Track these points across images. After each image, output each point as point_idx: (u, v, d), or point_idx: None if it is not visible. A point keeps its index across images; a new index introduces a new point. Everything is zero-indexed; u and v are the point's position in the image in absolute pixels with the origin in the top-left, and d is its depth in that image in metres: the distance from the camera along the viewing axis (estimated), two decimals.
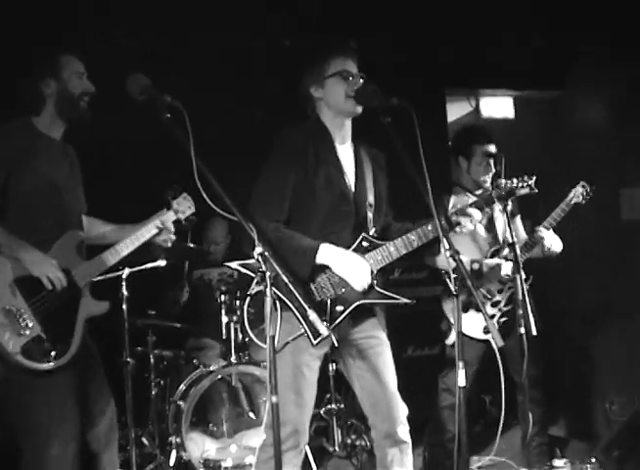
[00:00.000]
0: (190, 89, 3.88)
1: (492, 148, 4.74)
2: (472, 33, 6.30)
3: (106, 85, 3.46)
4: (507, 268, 4.54)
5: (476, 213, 3.42)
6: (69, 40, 4.70)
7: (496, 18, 6.24)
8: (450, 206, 4.66)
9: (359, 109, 3.39)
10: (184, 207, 3.74)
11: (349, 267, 3.24)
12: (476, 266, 4.52)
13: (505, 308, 4.59)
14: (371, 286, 3.29)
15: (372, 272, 3.28)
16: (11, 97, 3.53)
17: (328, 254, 3.23)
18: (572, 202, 4.64)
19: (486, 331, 4.47)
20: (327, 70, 3.42)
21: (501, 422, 4.03)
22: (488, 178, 4.70)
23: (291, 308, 3.19)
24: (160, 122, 2.81)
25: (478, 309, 4.45)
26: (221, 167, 2.95)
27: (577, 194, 4.66)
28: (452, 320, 4.54)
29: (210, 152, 2.92)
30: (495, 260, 4.60)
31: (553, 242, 4.62)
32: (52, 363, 3.30)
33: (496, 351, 4.14)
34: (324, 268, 3.27)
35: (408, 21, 6.03)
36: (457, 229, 3.40)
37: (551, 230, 4.60)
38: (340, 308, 3.27)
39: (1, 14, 4.91)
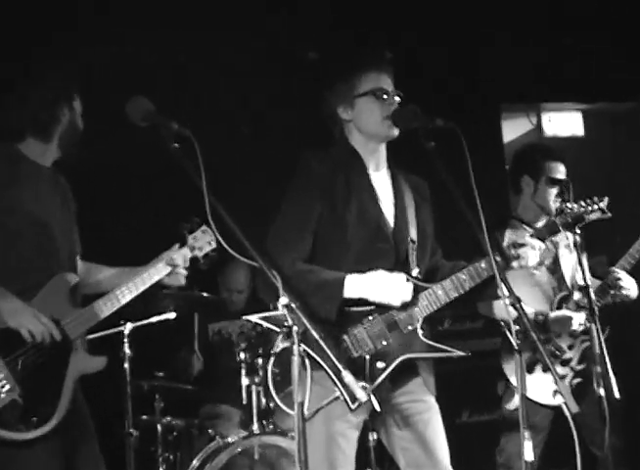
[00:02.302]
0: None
1: (563, 169, 4.72)
2: (528, 37, 6.37)
3: (105, 103, 3.60)
4: (578, 321, 4.46)
5: (537, 244, 3.40)
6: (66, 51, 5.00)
7: (560, 20, 6.30)
8: (505, 242, 4.62)
9: (395, 131, 3.40)
10: (202, 242, 3.77)
11: (384, 287, 3.23)
12: (540, 319, 4.47)
13: (578, 367, 4.52)
14: (416, 336, 3.29)
15: (410, 284, 3.26)
16: None
17: (356, 283, 3.22)
18: None
19: (557, 395, 4.42)
20: (358, 88, 3.43)
21: None
22: (557, 205, 4.65)
23: (323, 368, 3.15)
24: (167, 152, 2.88)
25: (545, 369, 4.40)
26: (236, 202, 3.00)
27: None
28: (513, 381, 4.48)
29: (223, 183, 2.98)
30: (564, 313, 4.51)
31: (630, 285, 4.57)
32: (32, 432, 3.26)
33: (569, 418, 4.10)
34: (360, 318, 3.26)
35: (450, 24, 6.23)
36: (514, 264, 3.39)
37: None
38: (381, 365, 3.24)
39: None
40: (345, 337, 3.25)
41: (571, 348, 4.56)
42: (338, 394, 3.18)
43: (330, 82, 3.54)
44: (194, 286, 4.94)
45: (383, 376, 3.24)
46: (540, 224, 4.70)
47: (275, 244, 3.29)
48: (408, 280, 3.29)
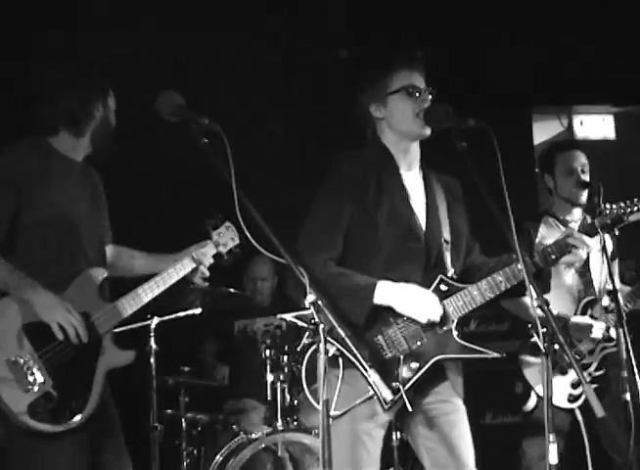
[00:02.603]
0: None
1: (580, 155, 4.71)
2: (560, 38, 6.39)
3: (135, 101, 3.61)
4: (598, 331, 4.47)
5: (588, 241, 3.37)
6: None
7: (592, 20, 6.27)
8: (538, 239, 4.62)
9: (427, 130, 3.39)
10: (226, 238, 3.79)
11: (413, 301, 3.22)
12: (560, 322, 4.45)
13: (596, 373, 4.52)
14: (451, 337, 3.27)
15: (444, 308, 3.27)
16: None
17: (387, 291, 3.22)
18: None
19: (572, 399, 4.42)
20: (390, 86, 3.43)
21: None
22: (583, 194, 4.63)
23: (357, 367, 3.13)
24: (197, 147, 2.85)
25: (562, 372, 4.40)
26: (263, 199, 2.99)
27: None
28: (531, 382, 4.52)
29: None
30: (585, 319, 4.52)
31: None
32: (63, 425, 3.30)
33: (581, 423, 4.10)
34: (395, 318, 3.26)
35: (482, 27, 6.24)
36: (568, 258, 3.36)
37: None
38: (414, 366, 3.24)
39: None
40: (380, 337, 3.24)
41: (591, 353, 4.56)
42: (371, 393, 3.15)
43: (362, 82, 3.54)
44: (220, 282, 4.93)
45: (417, 376, 3.22)
46: (573, 222, 4.67)
47: (306, 245, 3.28)
48: (441, 299, 3.28)
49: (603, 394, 4.29)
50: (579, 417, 4.42)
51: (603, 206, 3.61)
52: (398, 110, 3.42)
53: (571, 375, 4.46)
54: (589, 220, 3.56)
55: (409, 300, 3.23)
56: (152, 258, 3.80)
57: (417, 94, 3.40)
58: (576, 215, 4.74)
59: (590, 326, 4.49)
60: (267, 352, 4.94)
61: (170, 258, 3.72)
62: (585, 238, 3.38)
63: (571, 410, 4.46)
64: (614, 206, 3.58)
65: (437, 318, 3.24)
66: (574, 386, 4.46)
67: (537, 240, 4.61)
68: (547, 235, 4.59)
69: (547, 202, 4.90)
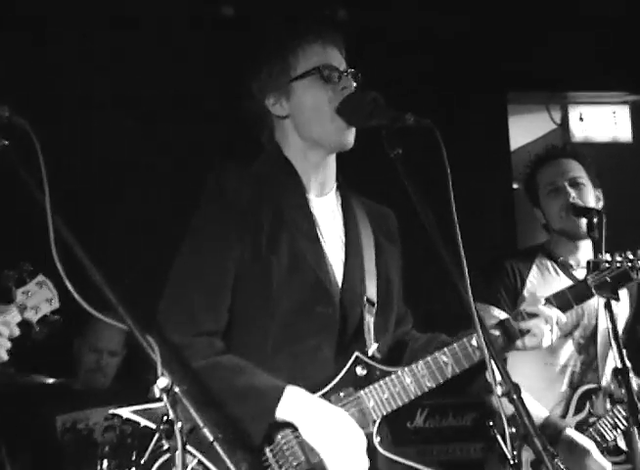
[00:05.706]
0: None
1: (568, 164, 4.75)
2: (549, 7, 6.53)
3: None
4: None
5: (556, 316, 3.38)
6: None
7: None
8: (527, 288, 4.61)
9: (350, 137, 3.40)
10: (38, 299, 3.78)
11: (331, 437, 3.15)
12: (553, 430, 4.42)
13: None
14: (371, 446, 3.21)
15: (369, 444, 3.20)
16: None
17: (297, 405, 3.18)
18: None
19: None
20: (295, 67, 3.43)
21: None
22: (579, 220, 4.57)
23: None
24: None
25: None
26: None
27: None
28: None
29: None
30: (590, 446, 4.42)
31: None
32: None
33: None
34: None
35: None
36: (520, 343, 3.42)
37: None
38: None
39: None
40: (265, 447, 3.19)
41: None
42: None
43: (256, 64, 3.52)
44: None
45: None
46: (579, 268, 4.66)
47: (173, 312, 3.26)
48: (356, 389, 3.27)
49: None
50: None
51: (598, 259, 3.59)
52: (308, 102, 3.42)
53: None
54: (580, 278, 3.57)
55: (325, 433, 3.15)
56: None
57: (335, 78, 3.40)
58: (583, 256, 4.67)
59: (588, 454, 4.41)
60: (105, 463, 4.82)
61: None
62: (551, 312, 3.39)
63: None
64: (616, 259, 3.55)
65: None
66: None
67: (525, 290, 4.56)
68: (540, 283, 4.60)
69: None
